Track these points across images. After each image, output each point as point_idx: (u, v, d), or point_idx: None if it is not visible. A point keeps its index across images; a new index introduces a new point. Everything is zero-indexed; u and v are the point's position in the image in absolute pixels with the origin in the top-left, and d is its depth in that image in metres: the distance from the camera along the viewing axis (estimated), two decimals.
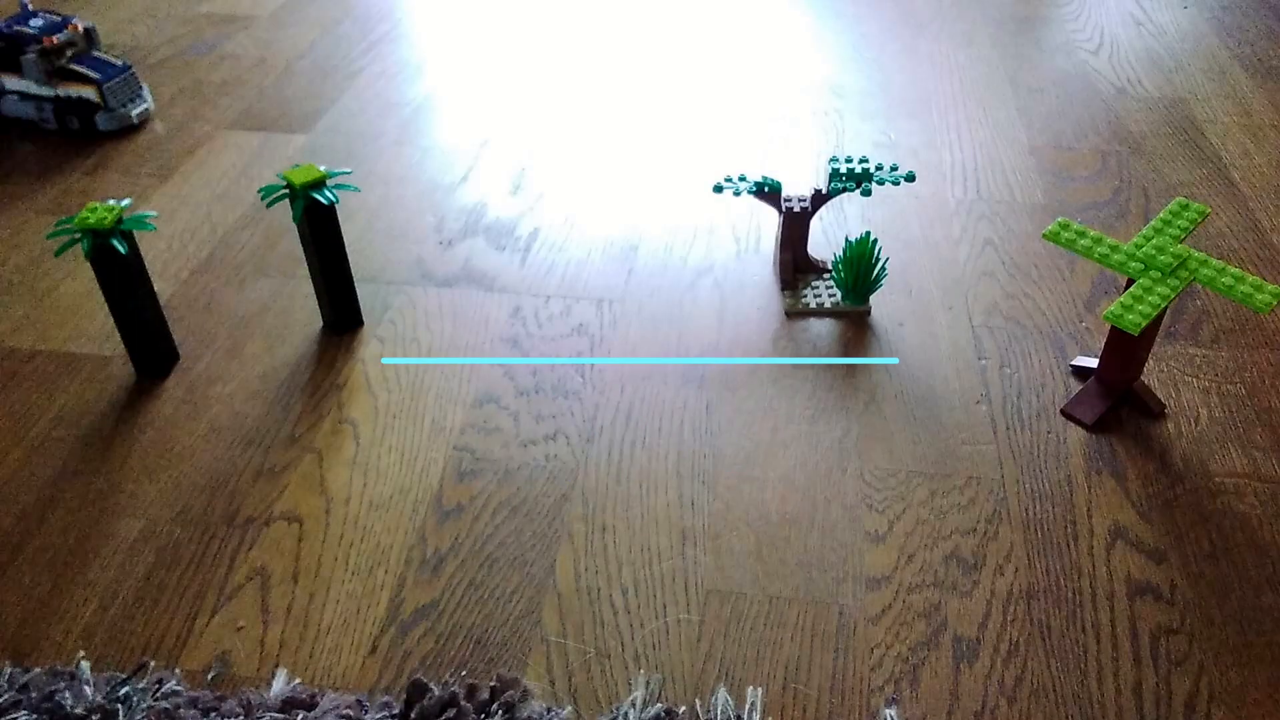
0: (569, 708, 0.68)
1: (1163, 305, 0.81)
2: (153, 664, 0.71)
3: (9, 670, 0.69)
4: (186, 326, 1.02)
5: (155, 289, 0.95)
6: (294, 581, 0.77)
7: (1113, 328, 0.89)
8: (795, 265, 1.08)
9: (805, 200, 1.05)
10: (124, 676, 0.69)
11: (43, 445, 0.89)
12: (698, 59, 1.54)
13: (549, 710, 0.67)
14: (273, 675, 0.70)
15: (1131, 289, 0.82)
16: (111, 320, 1.00)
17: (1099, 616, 0.75)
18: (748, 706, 0.68)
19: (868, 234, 1.00)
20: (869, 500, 0.84)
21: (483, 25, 1.67)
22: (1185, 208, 0.90)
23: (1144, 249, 0.85)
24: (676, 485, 0.85)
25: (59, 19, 1.35)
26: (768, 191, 1.04)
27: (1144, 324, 0.79)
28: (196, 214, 1.19)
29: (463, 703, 0.66)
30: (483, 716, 0.66)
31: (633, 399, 0.94)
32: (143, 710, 0.66)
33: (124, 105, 1.34)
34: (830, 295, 1.05)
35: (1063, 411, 0.92)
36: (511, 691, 0.67)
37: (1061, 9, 1.73)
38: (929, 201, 1.21)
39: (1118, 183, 1.25)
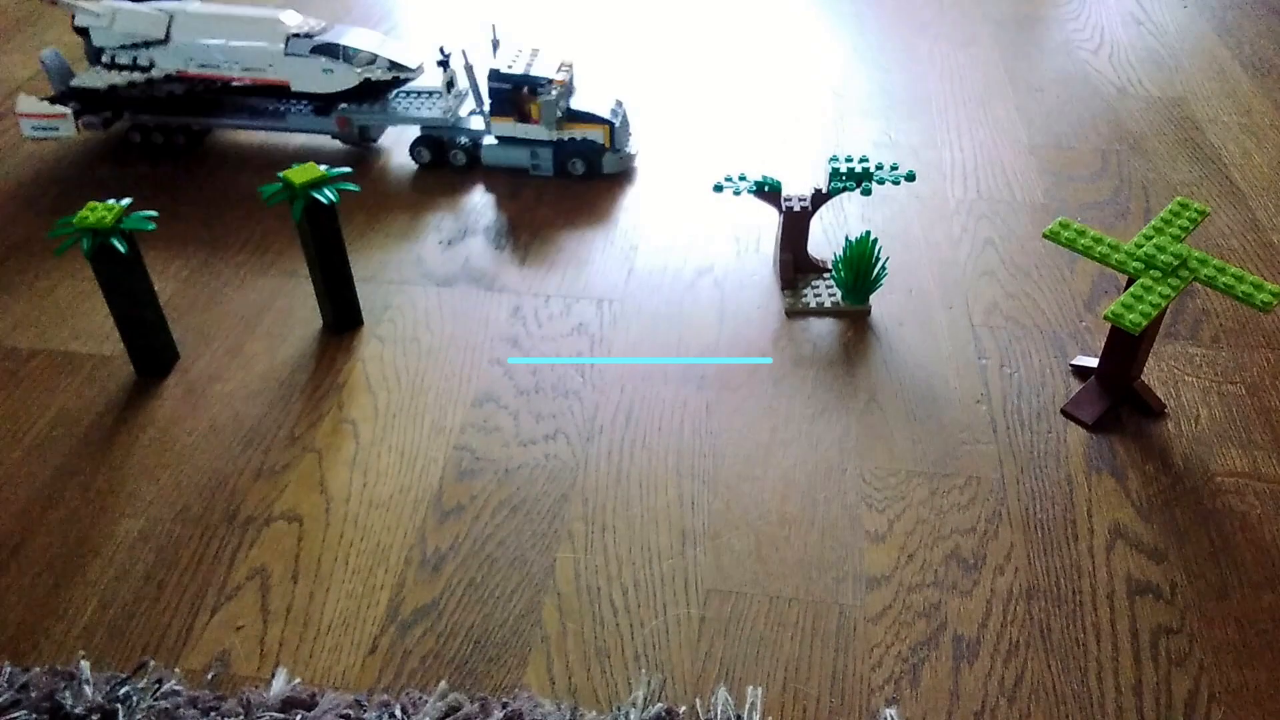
0: (569, 705, 0.68)
1: (1163, 305, 0.81)
2: (153, 664, 0.71)
3: (9, 670, 0.69)
4: (186, 326, 1.02)
5: (155, 289, 0.95)
6: (294, 581, 0.77)
7: (1113, 327, 0.89)
8: (795, 265, 1.08)
9: (805, 200, 1.04)
10: (124, 676, 0.69)
11: (42, 445, 0.89)
12: (698, 58, 1.54)
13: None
14: (272, 675, 0.70)
15: (1132, 288, 0.82)
16: (111, 320, 1.00)
17: (1099, 616, 0.75)
18: (748, 706, 0.68)
19: (867, 234, 1.00)
20: (869, 500, 0.84)
21: (483, 24, 1.66)
22: (1185, 207, 0.90)
23: (1144, 248, 0.85)
24: (676, 485, 0.85)
25: (530, 51, 1.24)
26: (768, 191, 1.04)
27: (1144, 323, 0.79)
28: (197, 214, 1.19)
29: None
30: None
31: (633, 399, 0.94)
32: (143, 710, 0.66)
33: (625, 145, 1.25)
34: (830, 295, 1.05)
35: (1063, 411, 0.92)
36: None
37: (1061, 9, 1.73)
38: (929, 201, 1.21)
39: (1118, 182, 1.25)
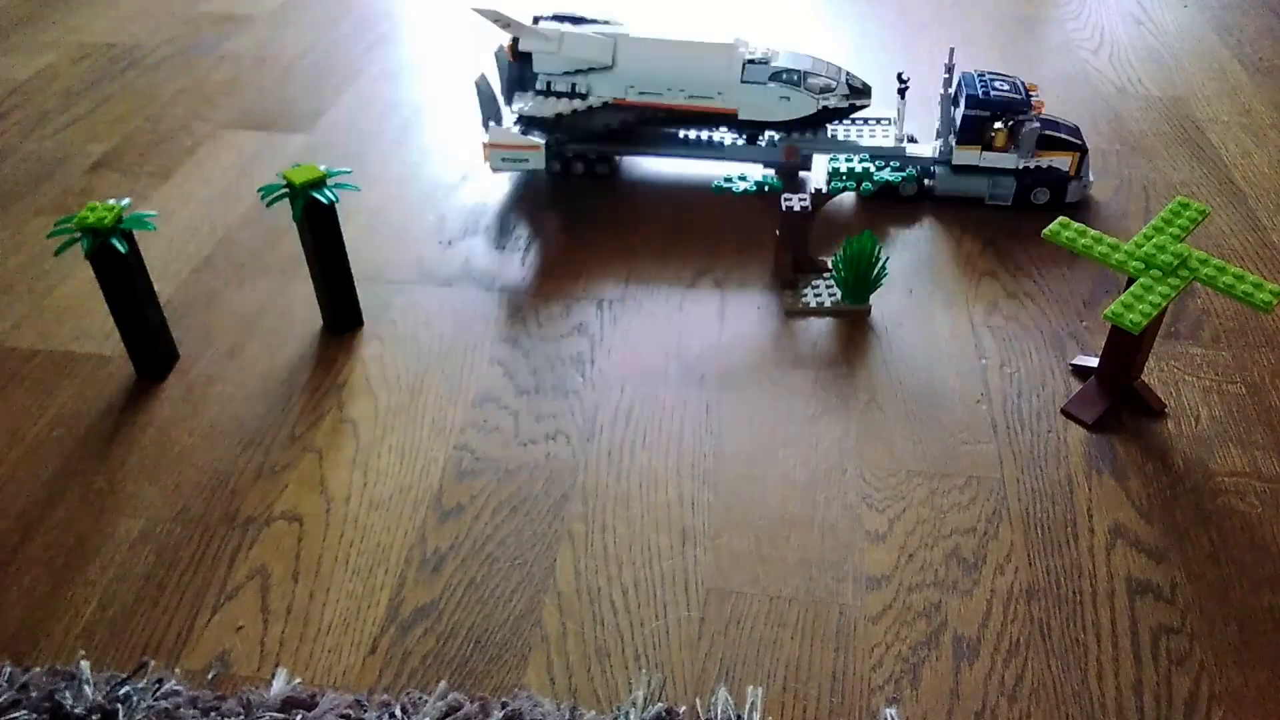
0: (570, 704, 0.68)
1: (1163, 304, 0.81)
2: (153, 664, 0.71)
3: (9, 670, 0.69)
4: (186, 326, 1.02)
5: (155, 289, 0.95)
6: (294, 581, 0.77)
7: (1113, 327, 0.89)
8: (795, 265, 1.08)
9: (805, 200, 1.05)
10: (124, 676, 0.69)
11: (42, 445, 0.89)
12: None
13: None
14: (273, 675, 0.70)
15: (1132, 288, 0.82)
16: (111, 320, 1.00)
17: (1099, 616, 0.75)
18: (748, 706, 0.68)
19: (867, 233, 1.00)
20: (869, 499, 0.84)
21: (483, 23, 1.66)
22: (1185, 207, 0.90)
23: (1144, 248, 0.85)
24: (676, 485, 0.85)
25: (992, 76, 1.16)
26: (768, 191, 1.04)
27: (1144, 323, 0.79)
28: (196, 213, 1.19)
29: None
30: None
31: (633, 399, 0.94)
32: (143, 710, 0.66)
33: (1088, 173, 1.18)
34: (830, 295, 1.05)
35: (1063, 411, 0.92)
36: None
37: (1061, 8, 1.73)
38: (929, 200, 1.21)
39: (1118, 182, 1.25)
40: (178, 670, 0.71)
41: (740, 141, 1.21)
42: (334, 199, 0.93)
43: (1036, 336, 1.01)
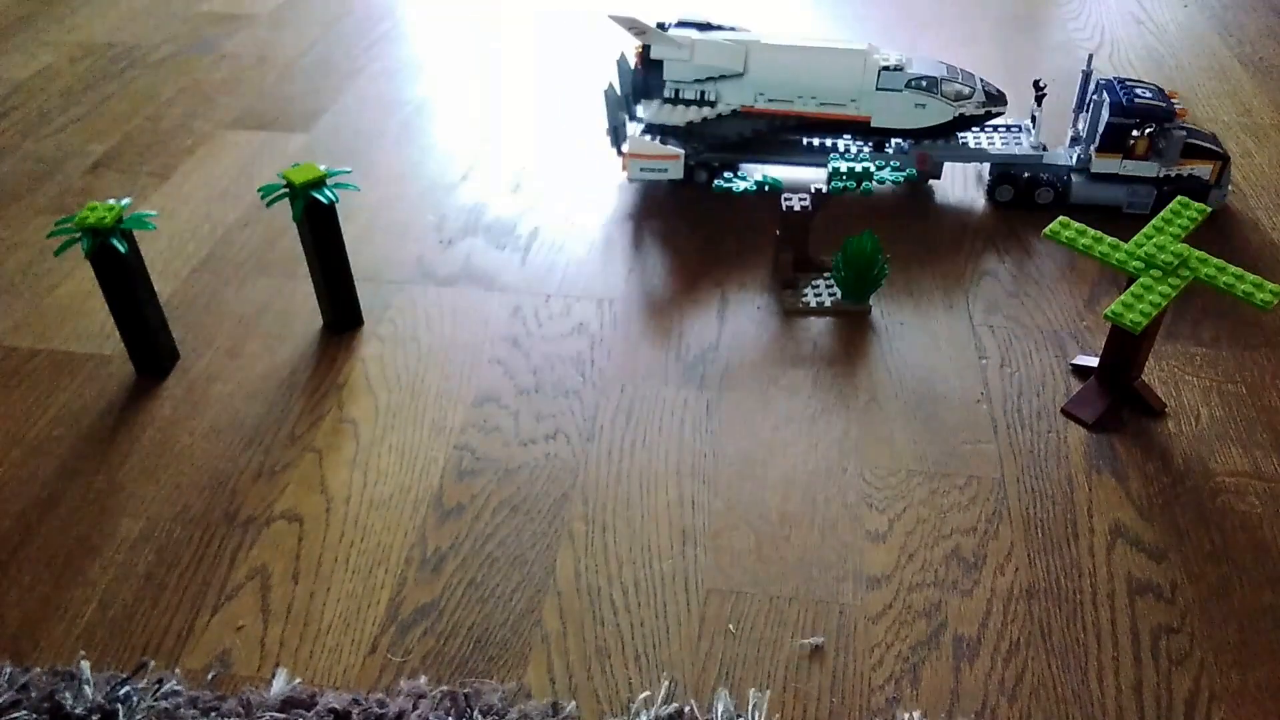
0: (572, 703, 0.68)
1: (1163, 304, 0.81)
2: (153, 664, 0.71)
3: (9, 670, 0.69)
4: (186, 326, 1.02)
5: (155, 288, 0.95)
6: (294, 581, 0.77)
7: (1113, 326, 0.89)
8: (795, 264, 1.08)
9: (805, 199, 1.04)
10: (124, 676, 0.69)
11: (42, 445, 0.89)
12: None
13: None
14: (273, 675, 0.70)
15: (1132, 288, 0.82)
16: (111, 320, 1.00)
17: (1099, 616, 0.75)
18: (750, 706, 0.68)
19: (867, 233, 1.00)
20: (869, 499, 0.84)
21: (483, 23, 1.66)
22: (1186, 206, 0.90)
23: (1144, 248, 0.85)
24: (676, 484, 0.85)
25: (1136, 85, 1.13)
26: (768, 190, 1.04)
27: (1144, 323, 0.79)
28: (196, 213, 1.19)
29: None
30: None
31: (633, 399, 0.94)
32: (143, 710, 0.66)
33: (1226, 182, 1.15)
34: (830, 294, 1.05)
35: (1063, 410, 0.92)
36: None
37: (1061, 8, 1.73)
38: (929, 200, 1.21)
39: None
40: (178, 670, 0.71)
41: (867, 149, 1.19)
42: (334, 199, 0.93)
43: (1036, 336, 1.01)
